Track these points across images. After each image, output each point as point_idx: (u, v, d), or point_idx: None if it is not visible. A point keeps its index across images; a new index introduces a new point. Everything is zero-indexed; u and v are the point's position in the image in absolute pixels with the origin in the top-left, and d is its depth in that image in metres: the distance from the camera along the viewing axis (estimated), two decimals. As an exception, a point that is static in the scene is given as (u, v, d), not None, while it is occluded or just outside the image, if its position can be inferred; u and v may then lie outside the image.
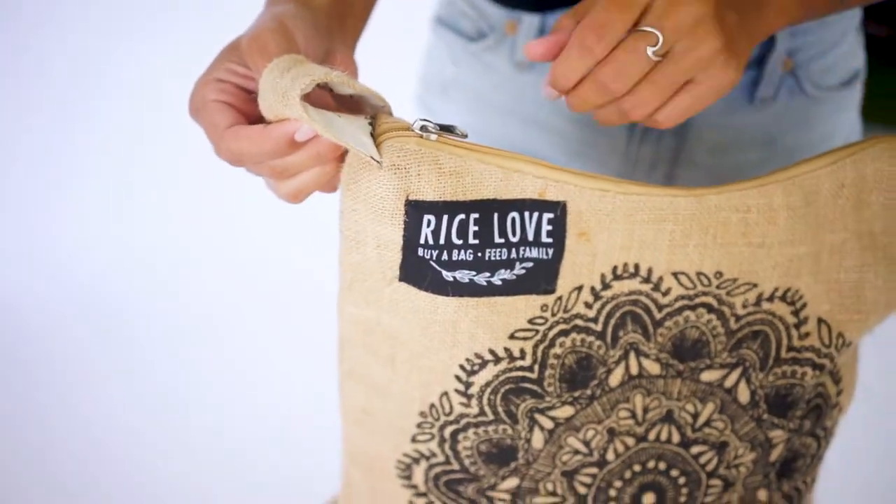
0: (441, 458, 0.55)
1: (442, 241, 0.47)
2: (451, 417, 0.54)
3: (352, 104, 0.49)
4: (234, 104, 0.47)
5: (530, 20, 0.68)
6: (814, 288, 0.53)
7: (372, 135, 0.46)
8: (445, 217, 0.47)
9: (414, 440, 0.55)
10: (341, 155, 0.46)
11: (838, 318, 0.54)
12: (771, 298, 0.52)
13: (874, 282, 0.53)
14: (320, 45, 0.49)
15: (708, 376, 0.54)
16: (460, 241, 0.47)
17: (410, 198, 0.46)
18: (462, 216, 0.47)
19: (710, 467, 0.57)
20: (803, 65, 0.68)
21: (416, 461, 0.55)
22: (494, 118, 0.74)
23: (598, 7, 0.45)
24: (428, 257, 0.48)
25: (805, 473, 0.60)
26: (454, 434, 0.54)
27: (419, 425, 0.55)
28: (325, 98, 0.48)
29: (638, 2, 0.45)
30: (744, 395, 0.55)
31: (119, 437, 1.41)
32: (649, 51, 0.45)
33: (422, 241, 0.47)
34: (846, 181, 0.51)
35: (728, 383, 0.55)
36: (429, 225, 0.47)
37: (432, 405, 0.54)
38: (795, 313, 0.53)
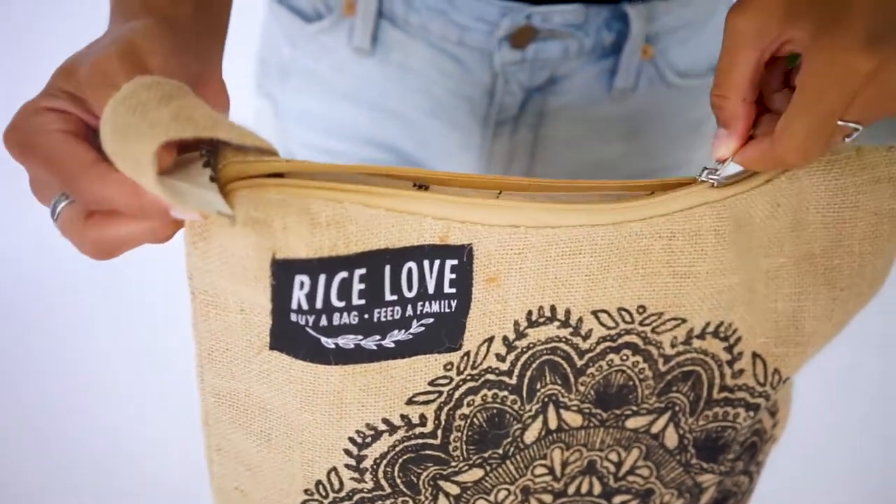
0: None
1: (319, 306, 0.39)
2: (342, 494, 0.46)
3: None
4: (82, 139, 0.35)
5: (367, 2, 0.61)
6: (748, 320, 0.47)
7: (214, 178, 0.36)
8: (323, 277, 0.38)
9: None
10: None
11: (774, 351, 0.48)
12: (702, 335, 0.46)
13: (813, 310, 0.48)
14: (185, 72, 0.37)
15: (634, 423, 0.48)
16: (342, 304, 0.39)
17: (277, 256, 0.37)
18: (344, 274, 0.39)
19: None
20: (664, 51, 0.63)
21: None
22: (339, 104, 0.67)
23: (799, 129, 0.39)
24: (303, 323, 0.39)
25: None
26: None
27: (305, 502, 0.46)
28: None
29: (838, 109, 0.39)
30: (671, 439, 0.49)
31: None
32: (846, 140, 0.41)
33: (294, 306, 0.39)
34: (781, 200, 0.45)
35: (655, 429, 0.49)
36: (302, 287, 0.38)
37: (319, 482, 0.45)
38: (729, 349, 0.47)
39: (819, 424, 1.30)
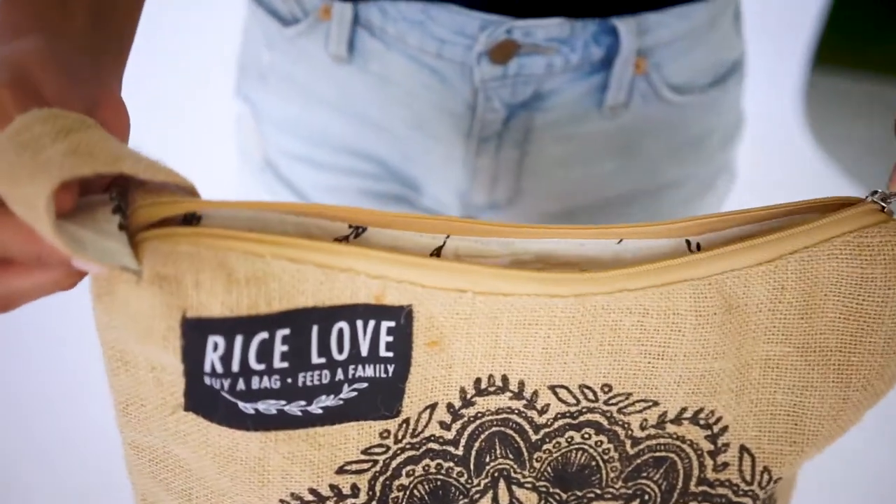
0: None
1: (236, 369, 0.35)
2: None
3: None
4: None
5: (342, 8, 0.57)
6: (736, 409, 0.41)
7: (123, 226, 0.33)
8: (240, 338, 0.34)
9: None
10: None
11: (767, 448, 0.42)
12: (677, 420, 0.41)
13: (818, 408, 0.41)
14: (81, 96, 0.34)
15: None
16: (262, 367, 0.35)
17: (188, 315, 0.34)
18: (264, 335, 0.34)
19: None
20: (659, 66, 0.58)
21: None
22: (318, 111, 0.63)
23: None
24: (218, 387, 0.35)
25: None
26: None
27: None
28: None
29: None
30: None
31: None
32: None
33: (207, 368, 0.35)
34: (787, 283, 0.39)
35: None
36: (216, 349, 0.34)
37: None
38: (712, 439, 0.42)
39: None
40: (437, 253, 0.39)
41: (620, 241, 0.40)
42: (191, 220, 0.36)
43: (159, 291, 0.33)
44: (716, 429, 0.42)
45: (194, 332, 0.34)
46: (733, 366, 0.40)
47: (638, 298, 0.37)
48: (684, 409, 0.41)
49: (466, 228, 0.39)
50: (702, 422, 0.41)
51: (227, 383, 0.35)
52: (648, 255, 0.41)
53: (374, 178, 0.65)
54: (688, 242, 0.41)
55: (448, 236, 0.39)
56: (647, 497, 0.43)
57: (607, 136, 0.61)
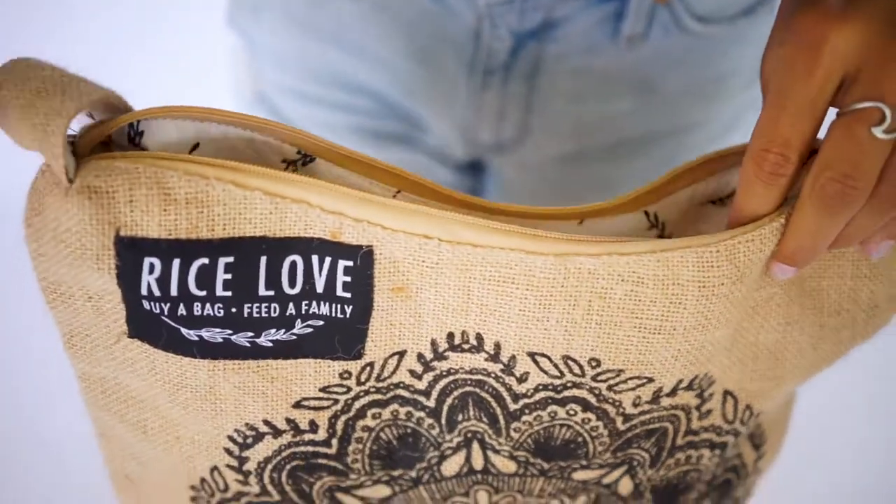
0: None
1: (174, 293, 0.32)
2: (229, 495, 0.40)
3: None
4: None
5: None
6: (726, 362, 0.38)
7: (73, 144, 0.31)
8: (177, 262, 0.32)
9: None
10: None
11: (748, 387, 0.39)
12: (673, 392, 0.37)
13: (798, 339, 0.38)
14: None
15: (583, 475, 0.40)
16: (203, 293, 0.32)
17: (122, 234, 0.31)
18: (204, 260, 0.32)
19: None
20: None
21: None
22: (312, 44, 0.59)
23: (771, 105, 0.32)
24: (157, 311, 0.33)
25: None
26: None
27: (193, 498, 0.41)
28: None
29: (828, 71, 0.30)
30: (625, 487, 0.41)
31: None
32: (876, 131, 0.30)
33: (144, 291, 0.32)
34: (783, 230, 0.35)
35: (608, 480, 0.41)
36: (152, 271, 0.32)
37: (203, 480, 0.40)
38: (700, 395, 0.38)
39: (819, 425, 1.22)
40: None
41: (581, 222, 0.37)
42: (134, 138, 0.33)
43: (88, 203, 0.31)
44: (705, 387, 0.38)
45: (129, 251, 0.31)
46: (733, 328, 0.36)
47: (630, 264, 0.33)
48: (680, 381, 0.37)
49: (418, 187, 0.36)
50: (695, 387, 0.38)
51: (166, 308, 0.33)
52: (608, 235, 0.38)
53: (372, 114, 0.62)
54: (646, 214, 0.37)
55: (399, 191, 0.36)
56: (635, 463, 0.40)
57: (623, 70, 0.56)
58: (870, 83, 0.30)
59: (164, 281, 0.32)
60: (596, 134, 0.60)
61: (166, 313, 0.33)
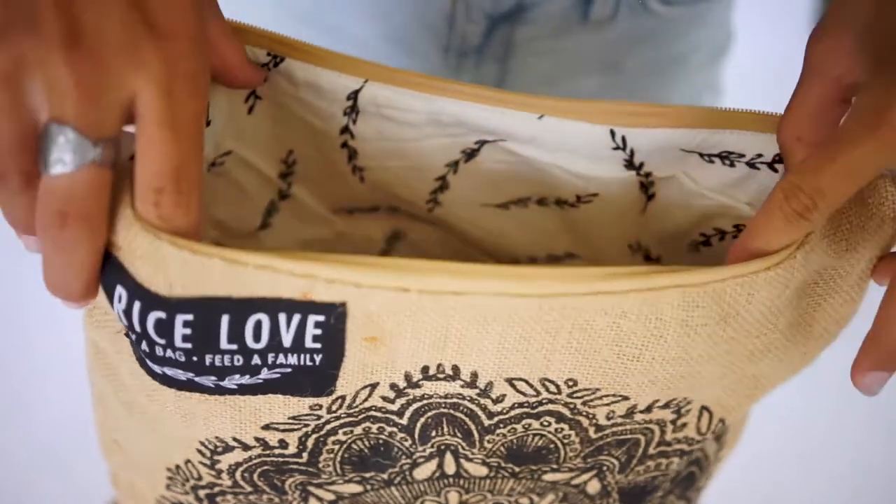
0: None
1: (137, 329, 0.31)
2: (203, 483, 0.40)
3: None
4: None
5: None
6: (709, 391, 0.38)
7: None
8: (138, 304, 0.30)
9: (168, 489, 0.42)
10: None
11: (725, 403, 0.39)
12: (648, 409, 0.37)
13: (775, 358, 0.38)
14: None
15: (552, 477, 0.40)
16: (162, 340, 0.31)
17: (109, 248, 0.30)
18: (161, 315, 0.30)
19: None
20: None
21: None
22: (289, 24, 0.59)
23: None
24: (128, 336, 0.32)
25: None
26: (210, 497, 0.41)
27: (169, 478, 0.41)
28: None
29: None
30: (594, 488, 0.42)
31: None
32: None
33: (116, 312, 0.31)
34: (793, 280, 0.34)
35: (577, 482, 0.41)
36: (120, 300, 0.30)
37: (178, 466, 0.40)
38: (677, 411, 0.38)
39: (817, 425, 1.25)
40: (353, 96, 0.37)
41: (542, 116, 0.36)
42: None
43: None
44: (683, 408, 0.38)
45: (108, 270, 0.31)
46: (719, 368, 0.36)
47: (615, 301, 0.32)
48: (656, 401, 0.37)
49: (388, 76, 0.36)
50: (672, 406, 0.37)
51: (133, 337, 0.32)
52: (566, 140, 0.37)
53: None
54: (612, 133, 0.37)
55: (367, 80, 0.36)
56: (605, 468, 0.40)
57: (592, 50, 0.57)
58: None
59: (128, 316, 0.31)
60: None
61: (133, 341, 0.32)
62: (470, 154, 0.40)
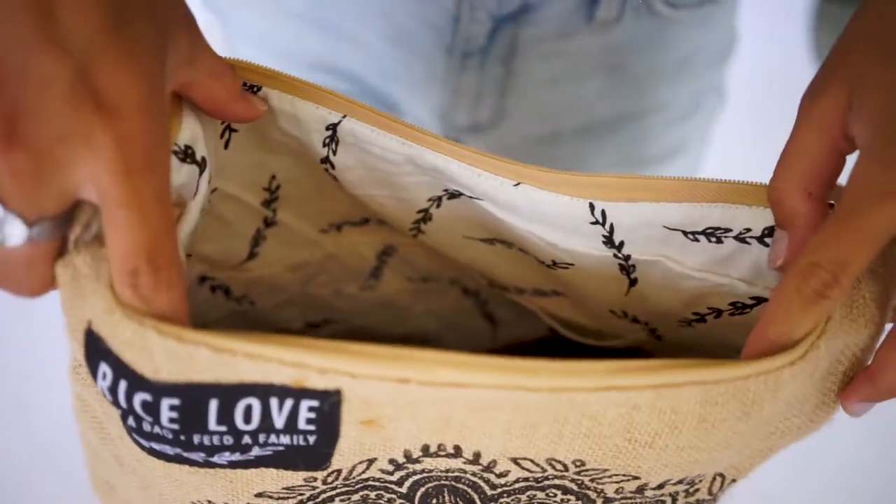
0: None
1: (123, 405, 0.29)
2: None
3: None
4: None
5: None
6: (724, 464, 0.36)
7: None
8: (123, 383, 0.29)
9: None
10: None
11: (739, 466, 0.37)
12: (660, 487, 0.35)
13: (797, 433, 0.36)
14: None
15: None
16: (149, 418, 0.30)
17: (91, 326, 0.29)
18: (146, 397, 0.29)
19: None
20: None
21: None
22: (293, 25, 0.58)
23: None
24: (114, 412, 0.31)
25: None
26: None
27: None
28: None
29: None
30: None
31: None
32: None
33: (100, 386, 0.30)
34: (818, 368, 0.32)
35: None
36: (104, 378, 0.29)
37: None
38: (690, 483, 0.36)
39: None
40: (332, 128, 0.36)
41: (518, 184, 0.35)
42: None
43: (70, 285, 0.30)
44: (697, 481, 0.36)
45: (92, 346, 0.29)
46: (735, 451, 0.34)
47: (628, 397, 0.29)
48: (668, 480, 0.35)
49: (365, 115, 0.35)
50: (685, 483, 0.35)
51: (118, 413, 0.31)
52: (543, 210, 0.35)
53: (347, 96, 0.61)
54: (591, 207, 0.35)
55: (345, 116, 0.36)
56: None
57: (596, 53, 0.57)
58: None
59: (113, 393, 0.29)
60: (569, 115, 0.60)
61: (120, 415, 0.31)
62: (452, 195, 0.39)
